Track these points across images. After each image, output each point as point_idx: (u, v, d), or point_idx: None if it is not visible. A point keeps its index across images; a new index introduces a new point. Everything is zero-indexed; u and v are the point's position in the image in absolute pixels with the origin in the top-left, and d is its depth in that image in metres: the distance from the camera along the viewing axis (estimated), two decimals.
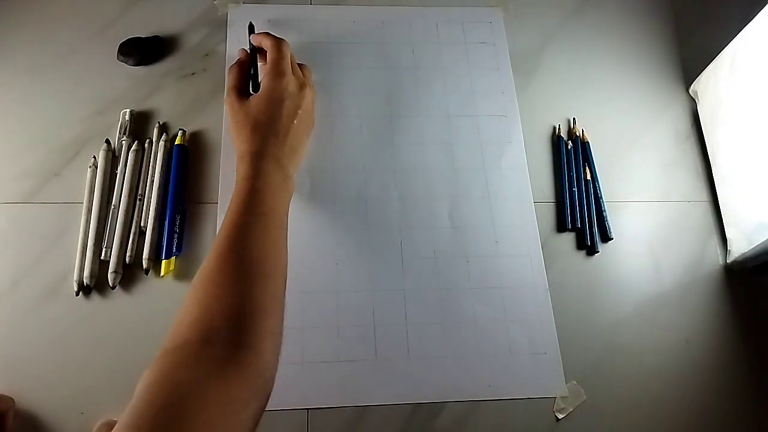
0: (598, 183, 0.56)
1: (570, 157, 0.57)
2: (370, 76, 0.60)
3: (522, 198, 0.56)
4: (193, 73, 0.58)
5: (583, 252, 0.54)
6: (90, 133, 0.55)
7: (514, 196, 0.56)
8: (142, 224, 0.51)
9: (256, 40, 0.54)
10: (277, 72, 0.49)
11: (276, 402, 0.46)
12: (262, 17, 0.60)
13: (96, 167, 0.52)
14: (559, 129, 0.59)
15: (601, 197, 0.56)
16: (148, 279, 0.50)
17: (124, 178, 0.52)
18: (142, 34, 0.59)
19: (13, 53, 0.57)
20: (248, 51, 0.55)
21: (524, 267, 0.53)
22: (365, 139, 0.57)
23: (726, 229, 0.55)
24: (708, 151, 0.59)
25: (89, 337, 0.48)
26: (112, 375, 0.46)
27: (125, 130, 0.54)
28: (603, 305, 0.53)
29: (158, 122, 0.55)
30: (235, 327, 0.36)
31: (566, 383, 0.49)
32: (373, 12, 0.62)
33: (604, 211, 0.55)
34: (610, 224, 0.55)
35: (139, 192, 0.52)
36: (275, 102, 0.49)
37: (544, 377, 0.49)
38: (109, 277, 0.49)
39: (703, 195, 0.58)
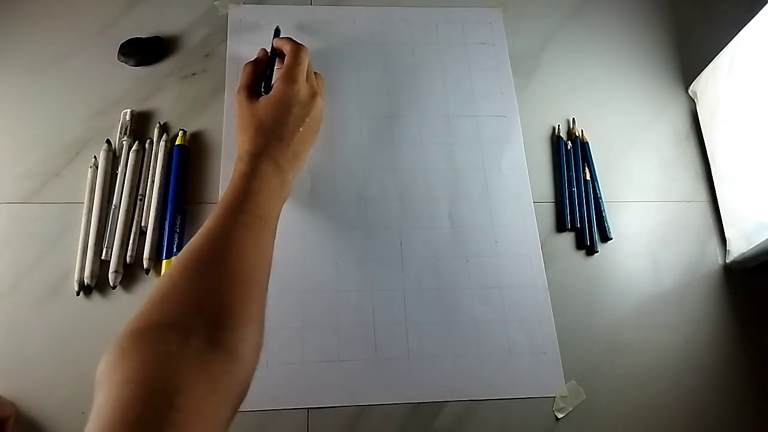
0: (597, 183, 0.56)
1: (569, 157, 0.57)
2: (370, 76, 0.60)
3: (521, 198, 0.56)
4: (193, 74, 0.58)
5: (583, 252, 0.55)
6: (91, 134, 0.55)
7: (513, 196, 0.56)
8: (142, 224, 0.51)
9: (278, 44, 0.54)
10: (290, 78, 0.49)
11: (276, 402, 0.47)
12: (262, 18, 0.60)
13: (97, 167, 0.53)
14: (558, 129, 0.59)
15: (601, 197, 0.56)
16: (149, 279, 0.50)
17: (124, 179, 0.52)
18: (143, 34, 0.59)
19: (14, 53, 0.58)
20: (268, 51, 0.55)
21: (524, 267, 0.53)
22: (365, 140, 0.57)
23: (725, 229, 0.56)
24: (707, 151, 0.59)
25: (90, 337, 0.48)
26: None
27: (126, 130, 0.54)
28: (602, 305, 0.53)
29: (159, 122, 0.55)
30: (221, 329, 0.35)
31: (566, 383, 0.49)
32: (373, 12, 0.63)
33: (604, 211, 0.56)
34: (609, 224, 0.55)
35: (140, 192, 0.52)
36: (284, 107, 0.49)
37: (543, 377, 0.49)
38: (110, 277, 0.49)
39: (703, 195, 0.58)
